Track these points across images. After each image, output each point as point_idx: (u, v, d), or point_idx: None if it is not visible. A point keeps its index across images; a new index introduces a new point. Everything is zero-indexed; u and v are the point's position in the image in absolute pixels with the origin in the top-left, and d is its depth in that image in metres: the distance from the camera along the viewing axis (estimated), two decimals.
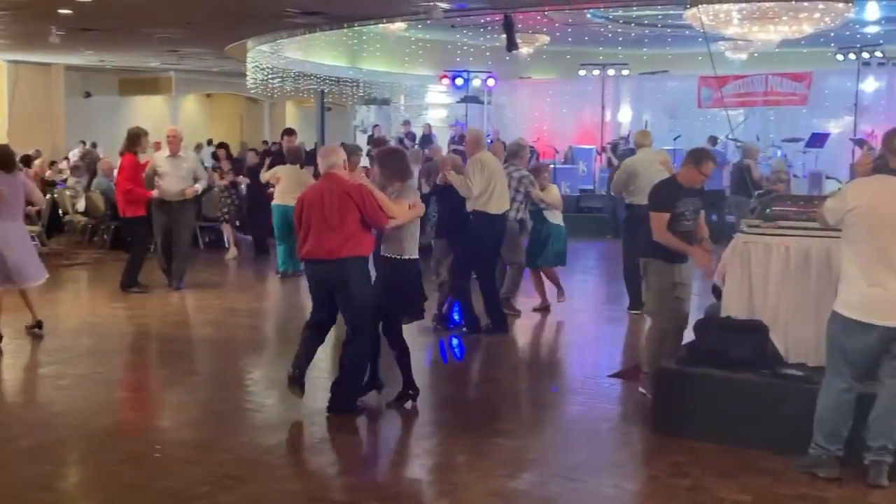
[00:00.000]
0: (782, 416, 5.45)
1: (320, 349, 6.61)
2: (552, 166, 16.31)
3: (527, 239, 9.69)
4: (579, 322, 9.61)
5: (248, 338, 9.02)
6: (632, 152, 16.38)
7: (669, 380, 5.93)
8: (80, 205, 15.39)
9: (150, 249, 11.09)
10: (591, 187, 20.09)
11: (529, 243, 9.69)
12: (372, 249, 6.25)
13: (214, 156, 16.17)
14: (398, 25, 19.20)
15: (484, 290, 8.80)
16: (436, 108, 28.39)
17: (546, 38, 20.83)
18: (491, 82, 22.53)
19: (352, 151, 10.90)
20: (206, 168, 16.29)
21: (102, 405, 6.56)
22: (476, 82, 22.65)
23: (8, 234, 7.96)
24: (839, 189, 6.57)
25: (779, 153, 19.07)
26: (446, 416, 6.47)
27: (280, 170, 12.04)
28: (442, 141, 21.91)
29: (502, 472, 5.21)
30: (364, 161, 11.48)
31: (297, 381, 6.26)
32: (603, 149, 20.68)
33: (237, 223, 14.54)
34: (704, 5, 15.67)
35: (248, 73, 22.10)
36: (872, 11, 17.04)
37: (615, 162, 17.92)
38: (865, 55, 19.82)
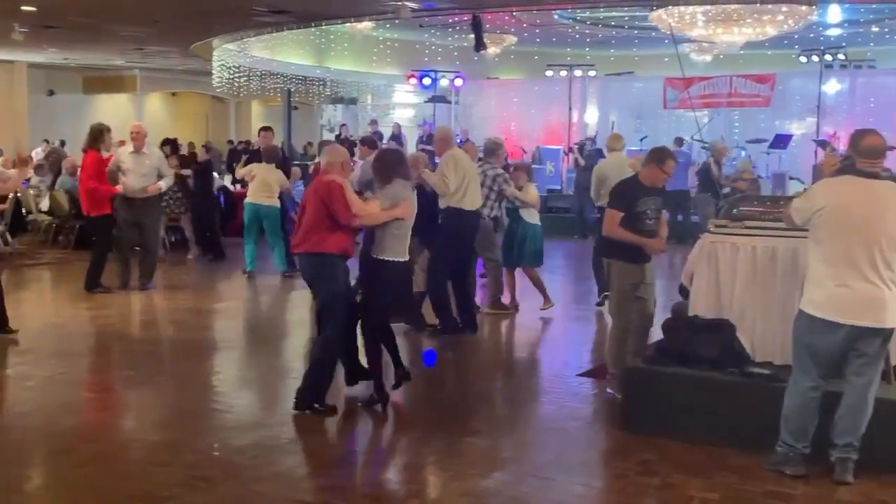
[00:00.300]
0: (749, 414, 5.51)
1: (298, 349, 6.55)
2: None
3: (501, 237, 9.72)
4: (548, 321, 9.64)
5: (215, 338, 8.97)
6: (599, 153, 16.60)
7: (638, 378, 5.98)
8: (44, 204, 15.21)
9: (112, 249, 10.86)
10: (558, 187, 20.17)
11: (504, 242, 9.72)
12: (343, 247, 6.19)
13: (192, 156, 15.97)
14: (365, 25, 19.17)
15: (456, 289, 8.80)
16: (403, 107, 28.38)
17: (513, 39, 20.91)
18: (458, 82, 22.56)
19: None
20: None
21: (68, 406, 6.49)
22: (444, 82, 22.66)
23: None
24: (805, 190, 6.65)
25: (743, 154, 19.27)
26: (417, 416, 6.47)
27: (255, 167, 11.97)
28: (410, 141, 21.91)
29: (473, 471, 5.22)
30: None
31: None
32: (570, 149, 20.77)
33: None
34: (670, 7, 15.83)
35: (214, 71, 21.95)
36: (835, 14, 17.25)
37: (582, 162, 18.05)
38: (828, 57, 20.12)
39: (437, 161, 9.10)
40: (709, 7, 16.21)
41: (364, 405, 6.35)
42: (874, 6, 17.30)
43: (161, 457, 5.34)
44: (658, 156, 6.58)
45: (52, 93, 28.06)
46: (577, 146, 19.99)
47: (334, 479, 5.17)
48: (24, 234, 15.17)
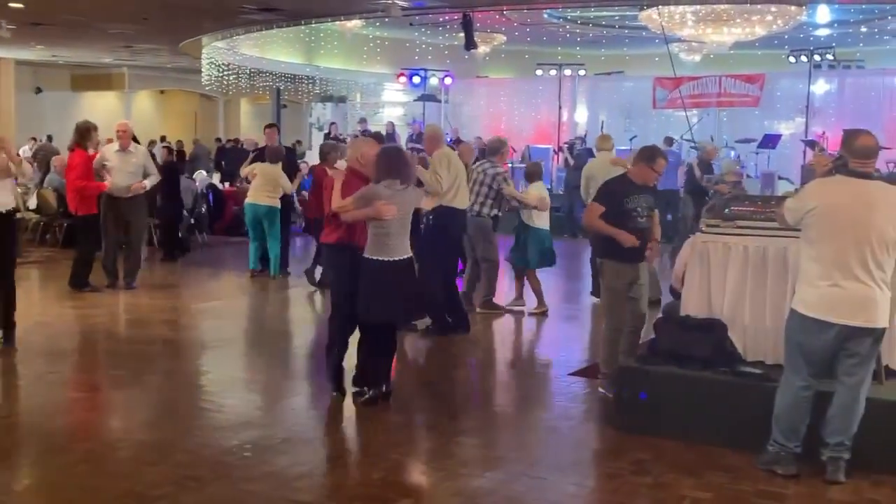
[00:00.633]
0: (741, 413, 5.52)
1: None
2: (510, 165, 16.32)
3: (498, 236, 9.73)
4: (540, 321, 9.64)
5: (205, 337, 8.93)
6: (588, 152, 16.63)
7: (630, 378, 5.97)
8: (32, 202, 15.11)
9: (99, 247, 10.74)
10: (548, 186, 20.15)
11: (514, 243, 9.76)
12: (333, 239, 6.44)
13: (181, 154, 15.88)
14: (355, 23, 19.13)
15: (445, 288, 8.77)
16: (392, 106, 28.34)
17: (503, 38, 20.90)
18: (448, 81, 22.56)
19: (330, 149, 10.96)
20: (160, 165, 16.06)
21: (58, 406, 6.45)
22: (433, 81, 22.65)
23: None
24: (796, 190, 6.66)
25: (732, 154, 19.31)
26: (409, 415, 6.44)
27: (257, 167, 11.90)
28: (402, 140, 21.87)
29: (465, 470, 5.21)
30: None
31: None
32: (560, 148, 20.79)
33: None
34: (660, 6, 15.85)
35: (203, 69, 21.88)
36: (824, 14, 17.31)
37: (571, 162, 18.07)
38: (817, 58, 20.17)
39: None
40: (698, 7, 16.25)
41: (363, 403, 6.34)
42: (863, 6, 17.37)
43: (151, 456, 5.31)
44: (648, 154, 6.58)
45: (39, 90, 27.94)
46: (566, 145, 20.01)
47: (326, 479, 5.16)
48: None
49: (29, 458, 5.47)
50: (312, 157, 16.30)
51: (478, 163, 9.72)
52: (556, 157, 21.06)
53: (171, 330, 9.00)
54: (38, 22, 17.08)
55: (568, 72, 22.63)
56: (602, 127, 20.10)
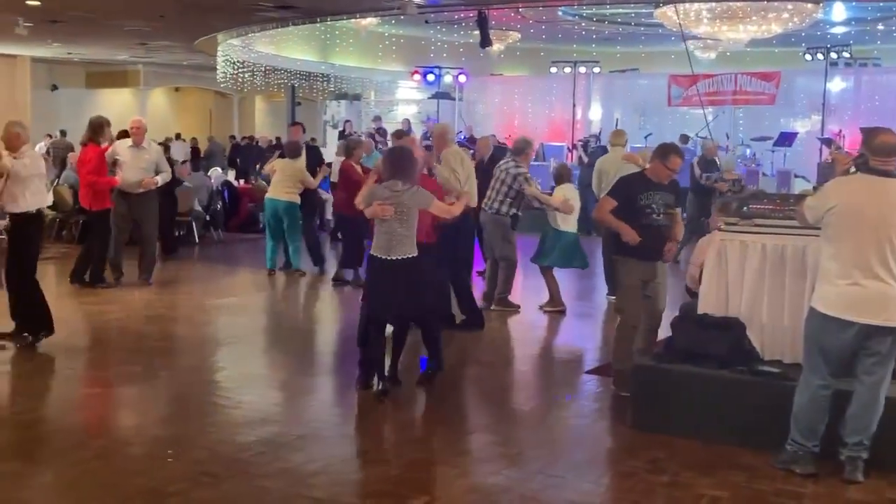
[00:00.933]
0: (758, 412, 5.48)
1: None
2: None
3: (517, 235, 9.71)
4: (555, 318, 9.61)
5: (220, 334, 8.95)
6: (603, 150, 16.58)
7: (647, 376, 5.94)
8: (48, 199, 15.13)
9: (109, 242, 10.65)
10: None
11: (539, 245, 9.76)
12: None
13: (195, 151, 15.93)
14: (370, 20, 19.16)
15: (456, 286, 8.75)
16: (407, 103, 28.36)
17: (518, 35, 20.87)
18: (462, 79, 22.54)
19: (356, 145, 11.05)
20: (177, 162, 16.12)
21: (74, 401, 6.48)
22: (447, 79, 22.64)
23: None
24: (814, 188, 6.62)
25: (747, 152, 19.25)
26: (425, 412, 6.45)
27: (277, 163, 11.90)
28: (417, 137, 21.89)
29: (481, 468, 5.20)
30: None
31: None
32: (574, 146, 20.74)
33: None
34: (676, 4, 15.80)
35: (218, 66, 21.93)
36: (840, 12, 17.22)
37: (585, 159, 18.02)
38: (833, 55, 20.06)
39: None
40: (714, 4, 16.20)
41: (378, 396, 6.39)
42: (880, 4, 17.27)
43: (167, 452, 5.31)
44: (661, 151, 6.56)
45: (55, 87, 28.05)
46: (581, 143, 19.95)
47: (342, 476, 5.14)
48: None
49: (46, 453, 5.48)
50: (327, 155, 16.29)
51: (502, 161, 9.74)
52: (570, 154, 21.02)
53: (187, 326, 9.02)
54: (54, 19, 17.15)
55: (583, 69, 22.58)
56: (616, 125, 20.06)
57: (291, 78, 24.31)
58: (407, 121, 22.63)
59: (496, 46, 19.58)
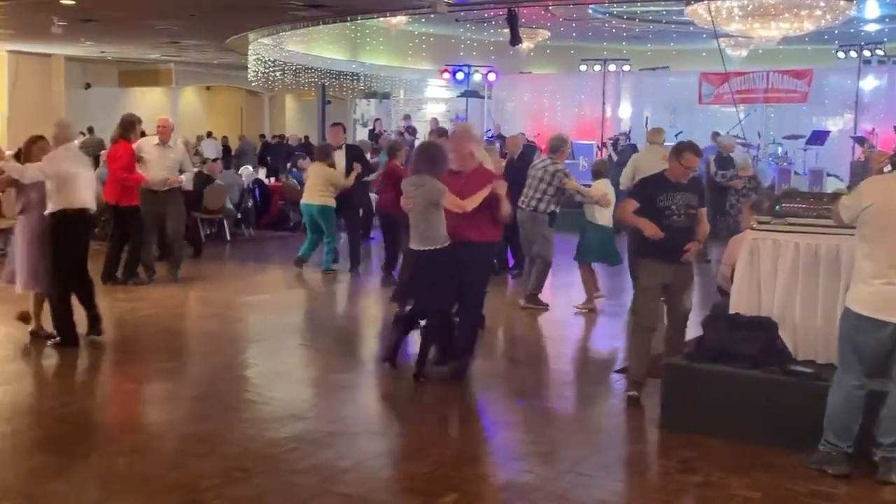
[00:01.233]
0: (791, 412, 5.44)
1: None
2: None
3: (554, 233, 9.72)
4: (584, 317, 9.59)
5: (252, 330, 9.02)
6: (633, 148, 16.52)
7: (678, 376, 5.92)
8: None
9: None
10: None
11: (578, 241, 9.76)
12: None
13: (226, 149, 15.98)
14: (400, 19, 19.18)
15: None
16: (436, 102, 28.36)
17: (547, 34, 20.81)
18: (491, 77, 22.50)
19: (399, 146, 11.33)
20: (207, 160, 16.25)
21: (108, 396, 6.55)
22: (477, 77, 22.62)
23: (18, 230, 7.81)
24: (848, 187, 6.56)
25: (779, 150, 19.08)
26: (454, 409, 6.46)
27: (309, 167, 11.92)
28: None
29: (511, 466, 5.21)
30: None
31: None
32: (604, 144, 20.66)
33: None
34: (707, 1, 15.68)
35: (249, 65, 22.05)
36: (873, 9, 17.03)
37: (615, 157, 17.94)
38: (866, 53, 19.85)
39: None
40: (746, 1, 16.06)
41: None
42: None
43: (199, 448, 5.37)
44: (676, 149, 6.43)
45: (88, 86, 28.31)
46: (611, 141, 19.87)
47: (372, 472, 5.17)
48: None
49: (81, 447, 5.55)
50: None
51: (538, 160, 9.79)
52: (599, 153, 20.94)
53: (219, 323, 9.08)
54: (88, 18, 17.30)
55: (612, 67, 22.47)
56: (647, 123, 19.95)
57: (322, 77, 24.39)
58: (435, 120, 22.63)
59: (526, 44, 19.52)
